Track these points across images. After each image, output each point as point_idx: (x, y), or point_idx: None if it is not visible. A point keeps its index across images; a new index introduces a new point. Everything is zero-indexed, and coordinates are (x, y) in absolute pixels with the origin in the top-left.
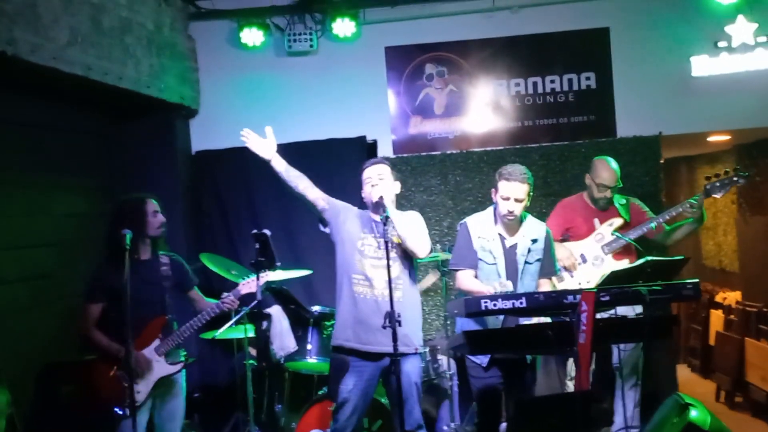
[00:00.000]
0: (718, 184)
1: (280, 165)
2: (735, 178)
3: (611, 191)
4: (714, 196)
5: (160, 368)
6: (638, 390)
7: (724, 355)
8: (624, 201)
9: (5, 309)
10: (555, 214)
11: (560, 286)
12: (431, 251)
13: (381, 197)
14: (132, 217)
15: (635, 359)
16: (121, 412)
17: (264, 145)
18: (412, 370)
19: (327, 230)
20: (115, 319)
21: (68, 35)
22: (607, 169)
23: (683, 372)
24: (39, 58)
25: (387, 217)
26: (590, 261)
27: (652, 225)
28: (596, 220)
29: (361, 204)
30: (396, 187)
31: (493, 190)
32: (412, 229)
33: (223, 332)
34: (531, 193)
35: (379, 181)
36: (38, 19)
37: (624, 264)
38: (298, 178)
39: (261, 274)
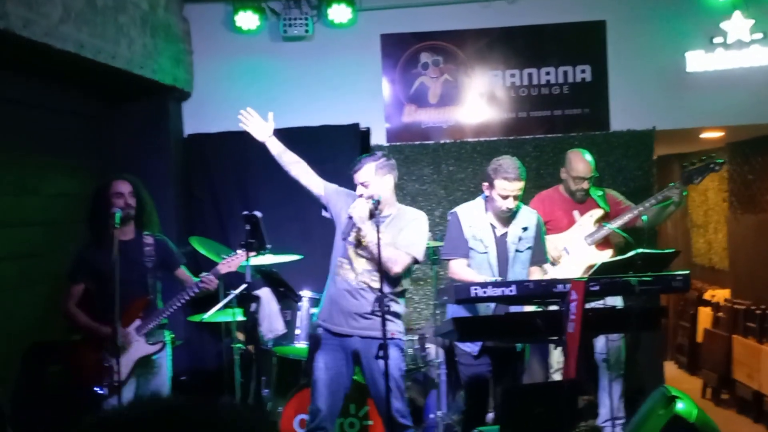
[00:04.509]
0: (695, 170)
1: (275, 148)
2: (711, 165)
3: (588, 182)
4: (693, 182)
5: (140, 348)
6: (623, 381)
7: (712, 352)
8: (601, 192)
9: None
10: (533, 207)
11: None
12: (410, 264)
13: (360, 218)
14: (98, 200)
15: (622, 350)
16: (101, 392)
17: (262, 127)
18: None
19: (327, 215)
20: (98, 300)
21: (61, 11)
22: (581, 161)
23: (670, 369)
24: (31, 33)
25: (378, 201)
26: (573, 253)
27: (635, 212)
28: (576, 212)
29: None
30: (387, 182)
31: (485, 184)
32: (388, 249)
33: (210, 315)
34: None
35: (363, 189)
36: None
37: (607, 255)
38: (292, 163)
39: (240, 252)
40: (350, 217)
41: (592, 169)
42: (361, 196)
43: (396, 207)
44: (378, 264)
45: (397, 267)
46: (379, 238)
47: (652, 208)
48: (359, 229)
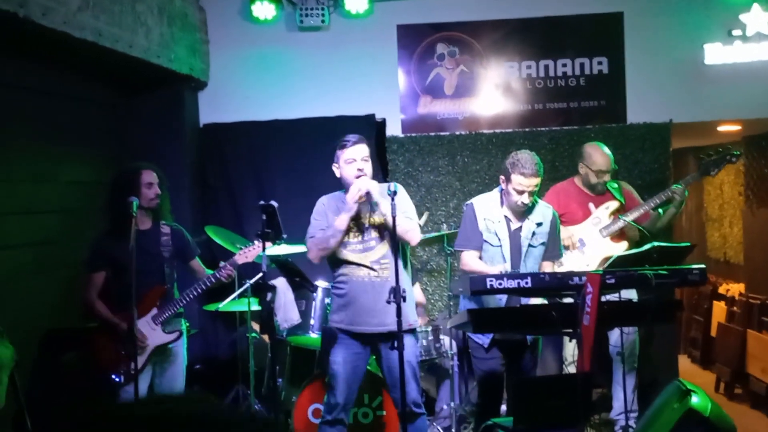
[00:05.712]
0: (712, 162)
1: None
2: (728, 157)
3: (609, 175)
4: (710, 174)
5: (157, 337)
6: (637, 374)
7: (726, 347)
8: (616, 185)
9: (10, 273)
10: (548, 200)
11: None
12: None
13: (368, 193)
14: (126, 188)
15: (636, 343)
16: (118, 379)
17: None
18: (405, 348)
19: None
20: (115, 288)
21: (80, 0)
22: (602, 155)
23: (683, 362)
24: (50, 21)
25: (395, 192)
26: (589, 245)
27: (650, 205)
28: (591, 204)
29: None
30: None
31: (502, 177)
32: (403, 220)
33: (226, 305)
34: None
35: (364, 164)
36: None
37: (622, 247)
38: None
39: (257, 243)
40: (367, 194)
41: (612, 162)
42: (360, 170)
43: None
44: (392, 240)
45: (414, 234)
46: (393, 216)
47: (665, 212)
48: (377, 205)
